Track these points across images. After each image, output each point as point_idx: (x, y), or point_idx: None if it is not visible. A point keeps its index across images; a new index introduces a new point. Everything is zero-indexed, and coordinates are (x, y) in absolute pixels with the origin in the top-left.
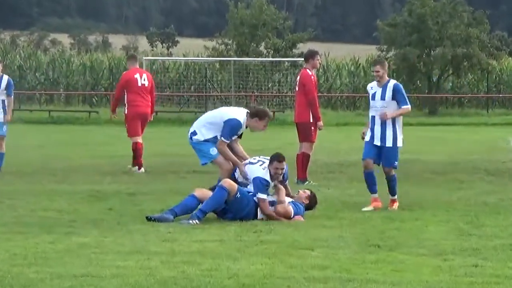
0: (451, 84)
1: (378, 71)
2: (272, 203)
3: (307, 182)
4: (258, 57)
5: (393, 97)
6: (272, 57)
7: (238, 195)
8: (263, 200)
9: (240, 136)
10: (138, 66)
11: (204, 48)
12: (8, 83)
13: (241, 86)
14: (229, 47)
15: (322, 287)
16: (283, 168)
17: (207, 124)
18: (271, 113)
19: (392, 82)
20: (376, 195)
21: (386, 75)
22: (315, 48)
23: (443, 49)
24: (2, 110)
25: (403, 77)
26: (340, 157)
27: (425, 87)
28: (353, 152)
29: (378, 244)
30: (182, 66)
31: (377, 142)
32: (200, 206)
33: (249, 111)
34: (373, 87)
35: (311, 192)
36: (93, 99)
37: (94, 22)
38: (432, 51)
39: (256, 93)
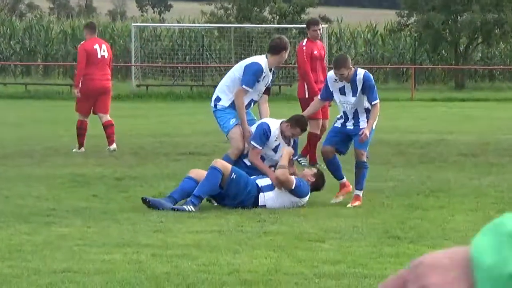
0: (480, 55)
1: (342, 74)
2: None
3: (317, 165)
4: (261, 24)
5: (363, 91)
6: (278, 24)
7: (234, 175)
8: (253, 147)
9: (268, 91)
10: (96, 36)
11: (201, 13)
12: None
13: (242, 56)
14: (229, 12)
15: (334, 284)
16: (298, 137)
17: (229, 83)
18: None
19: (361, 73)
20: (344, 180)
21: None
22: (326, 13)
23: (472, 14)
24: None
25: (426, 46)
26: None
27: (451, 58)
28: None
29: (398, 236)
30: (176, 34)
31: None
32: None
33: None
34: (337, 78)
35: (318, 170)
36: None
37: None
38: (459, 17)
39: None
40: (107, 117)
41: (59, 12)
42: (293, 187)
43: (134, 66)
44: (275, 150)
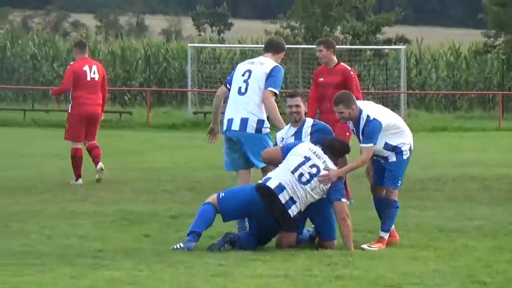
0: None
1: (341, 112)
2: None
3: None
4: None
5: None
6: (351, 44)
7: (222, 194)
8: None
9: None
10: (87, 56)
11: (265, 32)
12: None
13: (311, 80)
14: (296, 31)
15: None
16: (297, 106)
17: (258, 101)
18: None
19: (364, 118)
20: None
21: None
22: (404, 33)
23: None
24: None
25: None
26: (437, 170)
27: None
28: (453, 164)
29: (483, 281)
30: (237, 56)
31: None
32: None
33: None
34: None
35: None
36: (125, 96)
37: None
38: None
39: None
40: (93, 141)
41: (107, 31)
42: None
43: (191, 91)
44: None
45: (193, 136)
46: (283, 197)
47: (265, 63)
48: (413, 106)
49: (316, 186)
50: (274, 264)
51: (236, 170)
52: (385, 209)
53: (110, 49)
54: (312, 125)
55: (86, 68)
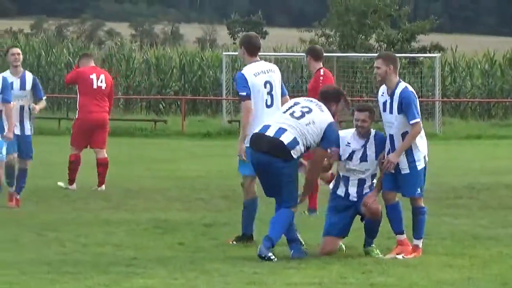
0: None
1: (379, 68)
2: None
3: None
4: (367, 52)
5: (400, 109)
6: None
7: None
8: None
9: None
10: (93, 65)
11: (300, 41)
12: (35, 83)
13: (346, 88)
14: (331, 39)
15: None
16: (364, 121)
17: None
18: None
19: (401, 86)
20: (402, 236)
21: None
22: (439, 41)
23: None
24: (28, 120)
25: None
26: (471, 178)
27: None
28: (487, 172)
29: None
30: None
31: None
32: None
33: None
34: (384, 92)
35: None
36: (160, 105)
37: (161, 8)
38: None
39: (364, 97)
40: (104, 154)
41: (142, 39)
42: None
43: (225, 99)
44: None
45: (227, 144)
46: (285, 138)
47: (275, 70)
48: (447, 114)
49: (309, 122)
50: (308, 272)
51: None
52: (414, 217)
53: (145, 57)
54: (375, 136)
55: (93, 76)
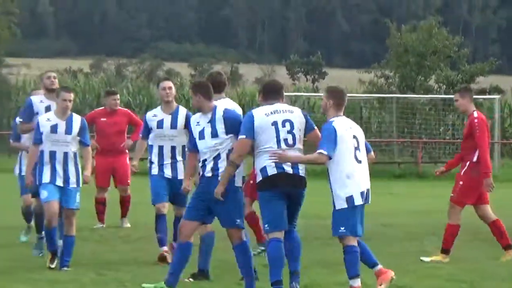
0: None
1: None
2: None
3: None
4: (426, 94)
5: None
6: (444, 93)
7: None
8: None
9: None
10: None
11: (359, 82)
12: (83, 126)
13: (405, 130)
14: (390, 80)
15: None
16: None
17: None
18: None
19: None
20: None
21: None
22: (498, 82)
23: None
24: (74, 169)
25: None
26: None
27: None
28: None
29: None
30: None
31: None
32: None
33: None
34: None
35: None
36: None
37: (221, 48)
38: None
39: (424, 139)
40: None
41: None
42: None
43: None
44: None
45: None
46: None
47: (294, 110)
48: (507, 156)
49: (300, 136)
50: None
51: None
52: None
53: None
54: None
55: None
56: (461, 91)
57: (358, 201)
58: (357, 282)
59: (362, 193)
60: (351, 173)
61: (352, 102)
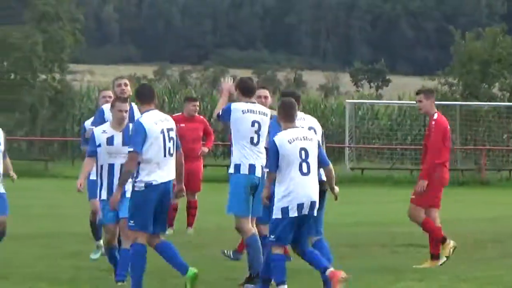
0: None
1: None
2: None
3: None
4: (490, 101)
5: None
6: (508, 101)
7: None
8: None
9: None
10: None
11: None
12: None
13: (469, 137)
14: (454, 88)
15: None
16: None
17: None
18: None
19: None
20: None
21: None
22: None
23: None
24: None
25: None
26: None
27: None
28: None
29: None
30: (395, 112)
31: None
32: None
33: None
34: None
35: None
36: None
37: (285, 55)
38: None
39: (487, 146)
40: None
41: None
42: None
43: (348, 147)
44: None
45: (350, 192)
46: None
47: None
48: None
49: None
50: None
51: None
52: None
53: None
54: None
55: None
56: (426, 92)
57: (293, 213)
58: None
59: (299, 205)
60: (290, 185)
61: (415, 109)
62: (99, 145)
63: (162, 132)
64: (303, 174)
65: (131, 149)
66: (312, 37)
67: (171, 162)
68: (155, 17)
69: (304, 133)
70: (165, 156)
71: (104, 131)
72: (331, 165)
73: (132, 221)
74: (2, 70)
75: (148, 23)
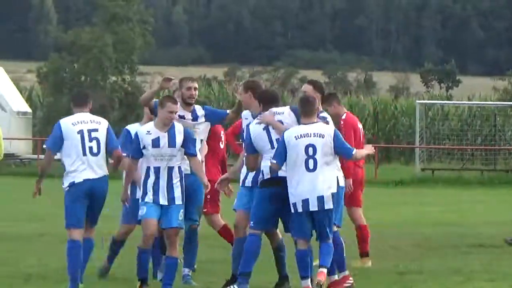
0: None
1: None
2: None
3: None
4: None
5: None
6: None
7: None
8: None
9: None
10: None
11: (493, 89)
12: (186, 136)
13: None
14: None
15: None
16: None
17: None
18: None
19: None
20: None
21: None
22: None
23: None
24: (179, 184)
25: None
26: None
27: None
28: None
29: None
30: (465, 112)
31: None
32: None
33: None
34: None
35: None
36: None
37: (355, 56)
38: None
39: None
40: None
41: (335, 87)
42: None
43: (419, 148)
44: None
45: (421, 192)
46: None
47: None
48: None
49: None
50: None
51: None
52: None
53: None
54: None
55: None
56: (329, 99)
57: (300, 208)
58: (307, 282)
59: (304, 201)
60: (297, 181)
61: (485, 109)
62: (144, 147)
63: (81, 132)
64: (309, 170)
65: (45, 146)
66: (382, 37)
67: (98, 160)
68: (225, 19)
69: (316, 129)
70: (85, 155)
71: (149, 131)
72: (354, 151)
73: (65, 220)
74: (73, 72)
75: (217, 25)
